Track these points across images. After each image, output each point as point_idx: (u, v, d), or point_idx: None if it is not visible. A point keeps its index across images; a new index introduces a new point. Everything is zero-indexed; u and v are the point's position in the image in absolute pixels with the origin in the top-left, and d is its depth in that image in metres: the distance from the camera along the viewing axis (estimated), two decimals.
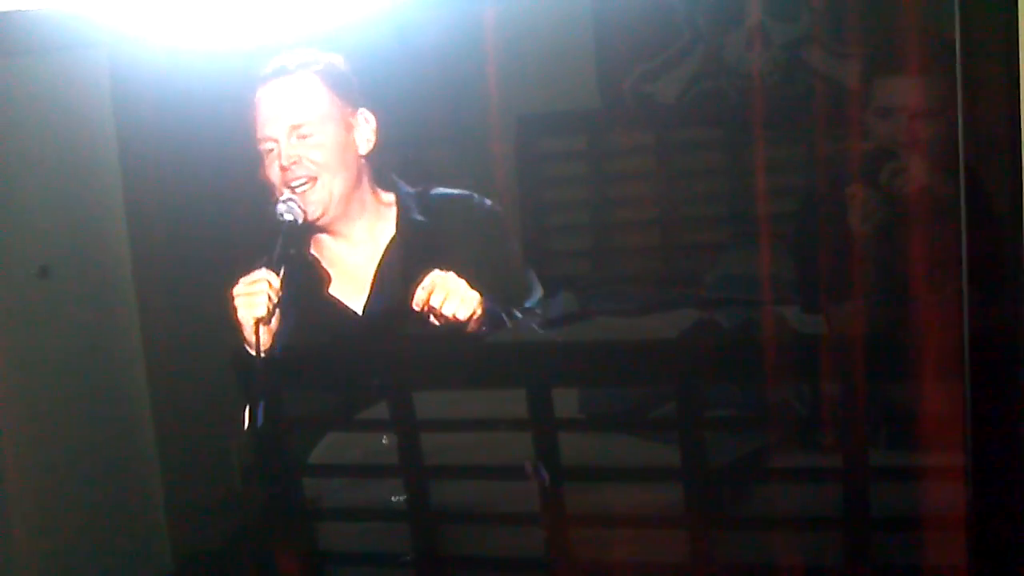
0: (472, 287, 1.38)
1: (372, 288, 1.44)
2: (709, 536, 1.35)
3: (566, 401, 1.39)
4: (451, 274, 1.37)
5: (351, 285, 1.45)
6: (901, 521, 1.26)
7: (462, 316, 1.37)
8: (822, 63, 1.26)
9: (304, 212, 1.41)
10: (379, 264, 1.43)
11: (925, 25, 1.21)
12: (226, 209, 1.46)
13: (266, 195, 1.43)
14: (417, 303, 1.38)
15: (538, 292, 1.38)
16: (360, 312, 1.45)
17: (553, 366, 1.41)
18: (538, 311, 1.38)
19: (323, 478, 1.51)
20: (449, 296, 1.37)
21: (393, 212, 1.43)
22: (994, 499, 1.14)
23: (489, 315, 1.38)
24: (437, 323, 1.37)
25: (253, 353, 1.42)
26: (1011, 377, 1.12)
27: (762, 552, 1.33)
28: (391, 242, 1.43)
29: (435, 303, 1.37)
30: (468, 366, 1.43)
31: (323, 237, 1.44)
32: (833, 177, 1.27)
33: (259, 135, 1.41)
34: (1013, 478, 1.13)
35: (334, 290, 1.45)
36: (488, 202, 1.39)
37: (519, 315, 1.39)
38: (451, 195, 1.41)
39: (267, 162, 1.41)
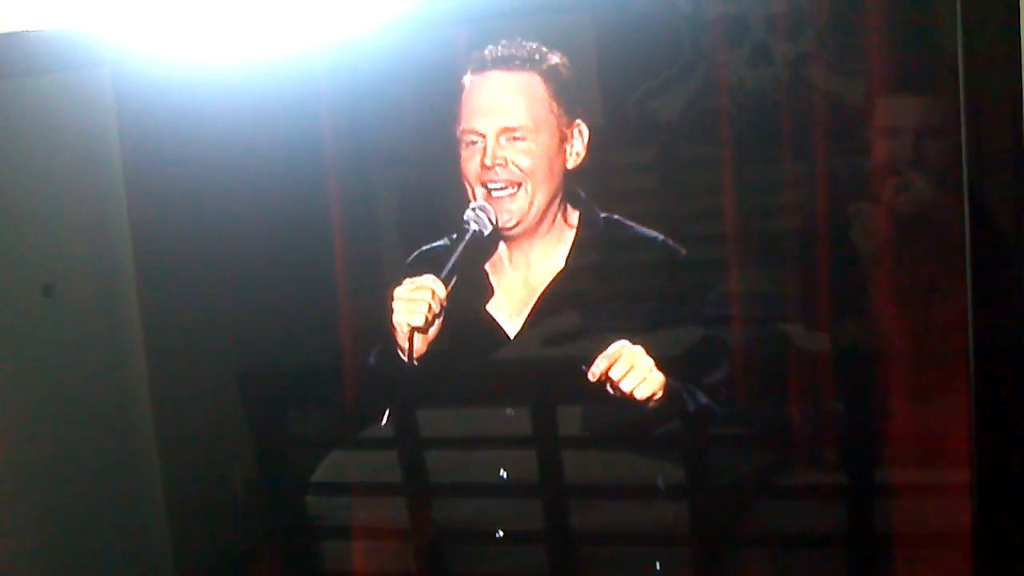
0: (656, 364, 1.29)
1: (530, 316, 1.37)
2: (713, 554, 1.35)
3: (569, 419, 1.39)
4: (640, 350, 1.29)
5: (510, 306, 1.38)
6: (906, 538, 1.26)
7: (640, 395, 1.29)
8: (825, 81, 1.27)
9: (493, 224, 1.33)
10: (542, 294, 1.36)
11: (928, 43, 1.21)
12: (231, 226, 1.46)
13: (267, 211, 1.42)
14: (595, 372, 1.30)
15: (723, 368, 1.30)
16: (512, 337, 1.38)
17: (555, 384, 1.40)
18: (723, 388, 1.30)
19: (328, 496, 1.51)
20: (633, 372, 1.28)
21: (571, 238, 1.35)
22: (999, 515, 1.14)
23: (669, 395, 1.30)
24: (612, 393, 1.29)
25: (404, 358, 1.35)
26: (1016, 392, 1.12)
27: (766, 571, 1.33)
28: (558, 274, 1.36)
29: (615, 375, 1.29)
30: (476, 383, 1.43)
31: (500, 248, 1.37)
32: (836, 194, 1.27)
33: (464, 126, 1.32)
34: (1018, 493, 1.13)
35: (492, 307, 1.39)
36: (680, 251, 1.31)
37: (702, 398, 1.31)
38: (637, 233, 1.33)
39: (466, 155, 1.32)
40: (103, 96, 1.50)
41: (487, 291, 1.38)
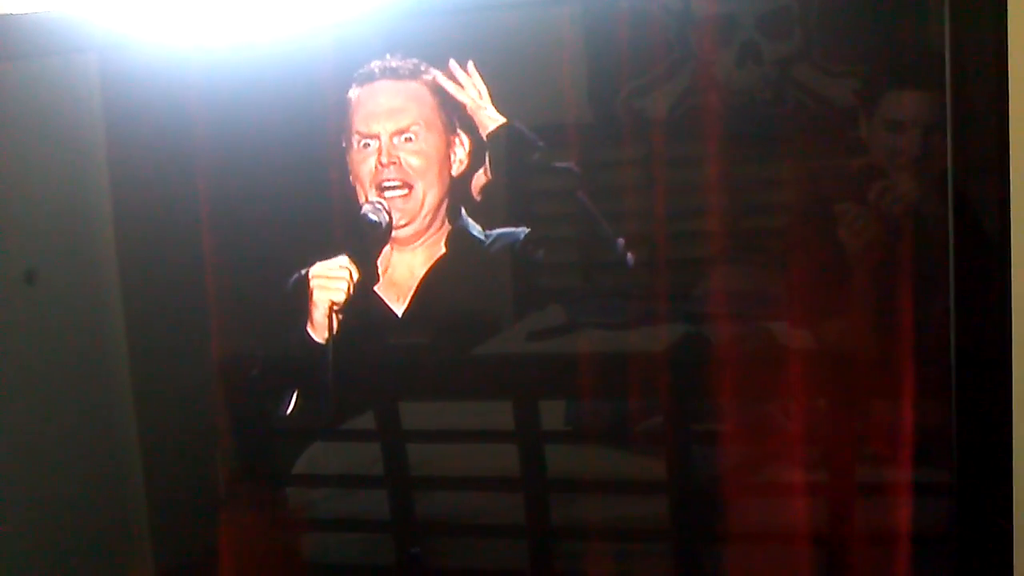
0: None
1: (414, 296, 1.43)
2: (694, 550, 1.35)
3: (552, 413, 1.39)
4: None
5: (397, 291, 1.44)
6: (888, 536, 1.26)
7: None
8: (812, 81, 1.27)
9: (390, 217, 1.40)
10: (423, 276, 1.43)
11: (915, 44, 1.22)
12: (216, 214, 1.45)
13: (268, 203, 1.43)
14: None
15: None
16: (400, 315, 1.44)
17: (539, 378, 1.41)
18: None
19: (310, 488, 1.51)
20: None
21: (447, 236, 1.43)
22: (980, 514, 1.14)
23: None
24: None
25: (319, 339, 1.42)
26: (998, 393, 1.12)
27: (747, 566, 1.33)
28: (440, 258, 1.43)
29: None
30: (460, 377, 1.43)
31: (386, 248, 1.44)
32: (823, 194, 1.28)
33: (357, 129, 1.40)
34: (999, 493, 1.13)
35: (379, 289, 1.44)
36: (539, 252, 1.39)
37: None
38: (507, 232, 1.40)
39: (359, 158, 1.41)
40: (89, 82, 1.49)
41: (374, 277, 1.44)
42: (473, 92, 1.36)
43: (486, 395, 1.44)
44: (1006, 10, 1.09)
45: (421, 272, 1.43)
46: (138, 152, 1.49)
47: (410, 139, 1.39)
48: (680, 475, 1.35)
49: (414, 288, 1.43)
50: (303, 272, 1.44)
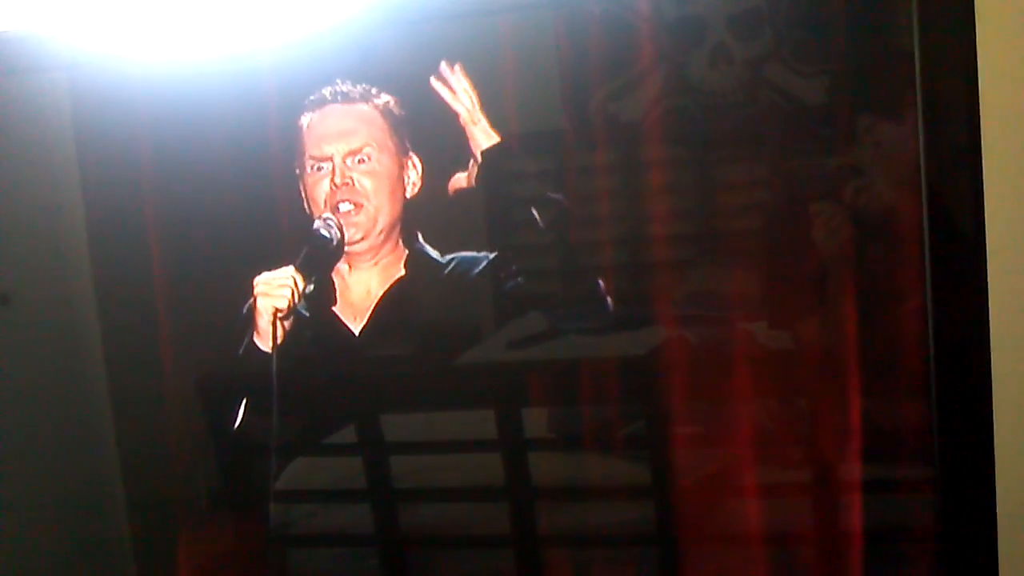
0: None
1: (372, 315, 1.44)
2: (680, 554, 1.35)
3: (535, 421, 1.39)
4: None
5: (354, 310, 1.45)
6: (870, 535, 1.26)
7: None
8: (785, 81, 1.27)
9: (341, 232, 1.41)
10: (382, 296, 1.44)
11: (886, 42, 1.22)
12: (192, 233, 1.45)
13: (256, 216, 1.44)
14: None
15: None
16: (356, 334, 1.45)
17: (521, 385, 1.40)
18: None
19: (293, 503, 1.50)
20: None
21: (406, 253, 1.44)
22: (963, 512, 1.15)
23: None
24: None
25: (265, 348, 1.43)
26: (978, 391, 1.13)
27: (733, 569, 1.33)
28: (398, 279, 1.44)
29: None
30: (440, 387, 1.43)
31: (342, 265, 1.44)
32: (798, 194, 1.28)
33: (311, 152, 1.41)
34: (982, 491, 1.13)
35: (337, 309, 1.45)
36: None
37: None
38: (468, 255, 1.41)
39: (312, 181, 1.41)
40: (60, 101, 1.48)
41: (331, 296, 1.45)
42: (466, 100, 1.36)
43: (466, 405, 1.44)
44: (973, 5, 1.09)
45: (378, 292, 1.44)
46: (110, 171, 1.48)
47: (363, 160, 1.40)
48: (664, 479, 1.34)
49: (371, 307, 1.44)
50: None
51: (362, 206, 1.40)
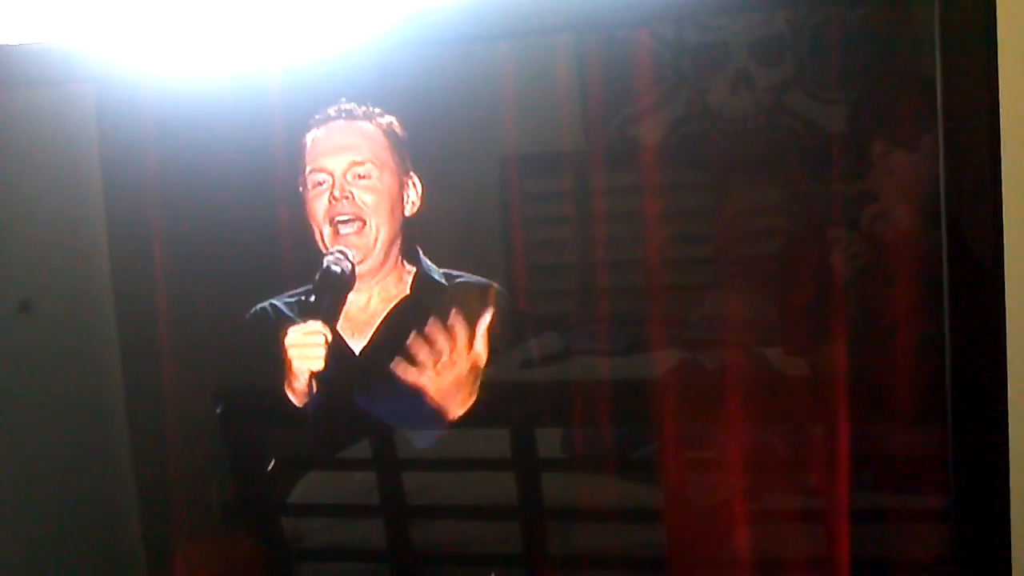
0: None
1: (375, 335, 1.44)
2: None
3: (548, 441, 1.39)
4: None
5: (353, 328, 1.45)
6: (884, 565, 1.26)
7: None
8: (805, 107, 1.27)
9: (352, 265, 1.41)
10: (385, 316, 1.44)
11: (906, 70, 1.22)
12: (210, 245, 1.45)
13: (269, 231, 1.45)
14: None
15: None
16: (356, 353, 1.45)
17: (535, 406, 1.40)
18: None
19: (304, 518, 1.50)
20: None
21: (411, 277, 1.44)
22: (977, 541, 1.14)
23: None
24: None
25: (297, 403, 1.42)
26: (994, 420, 1.12)
27: None
28: (402, 299, 1.44)
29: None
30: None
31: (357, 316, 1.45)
32: (816, 220, 1.28)
33: (312, 167, 1.41)
34: (996, 520, 1.13)
35: (339, 327, 1.44)
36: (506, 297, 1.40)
37: None
38: (472, 281, 1.41)
39: (313, 195, 1.42)
40: (85, 112, 1.49)
41: (336, 317, 1.44)
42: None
43: (481, 423, 1.43)
44: (996, 34, 1.09)
45: (377, 307, 1.44)
46: (132, 182, 1.49)
47: (363, 176, 1.40)
48: (676, 503, 1.34)
49: (374, 327, 1.44)
50: (265, 306, 1.46)
51: (364, 222, 1.40)
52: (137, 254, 1.51)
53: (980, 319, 1.12)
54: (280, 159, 1.43)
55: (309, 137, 1.42)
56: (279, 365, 1.42)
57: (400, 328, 1.42)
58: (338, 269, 1.40)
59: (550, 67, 1.34)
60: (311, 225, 1.42)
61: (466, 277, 1.42)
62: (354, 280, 1.42)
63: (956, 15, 1.09)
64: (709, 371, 1.32)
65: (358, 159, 1.40)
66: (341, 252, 1.40)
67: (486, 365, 1.39)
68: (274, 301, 1.46)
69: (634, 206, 1.35)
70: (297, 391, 1.42)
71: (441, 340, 1.39)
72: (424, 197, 1.41)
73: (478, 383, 1.39)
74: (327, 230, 1.41)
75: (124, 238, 1.53)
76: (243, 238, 1.45)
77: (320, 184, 1.41)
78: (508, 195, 1.40)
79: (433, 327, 1.39)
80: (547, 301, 1.42)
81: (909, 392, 1.21)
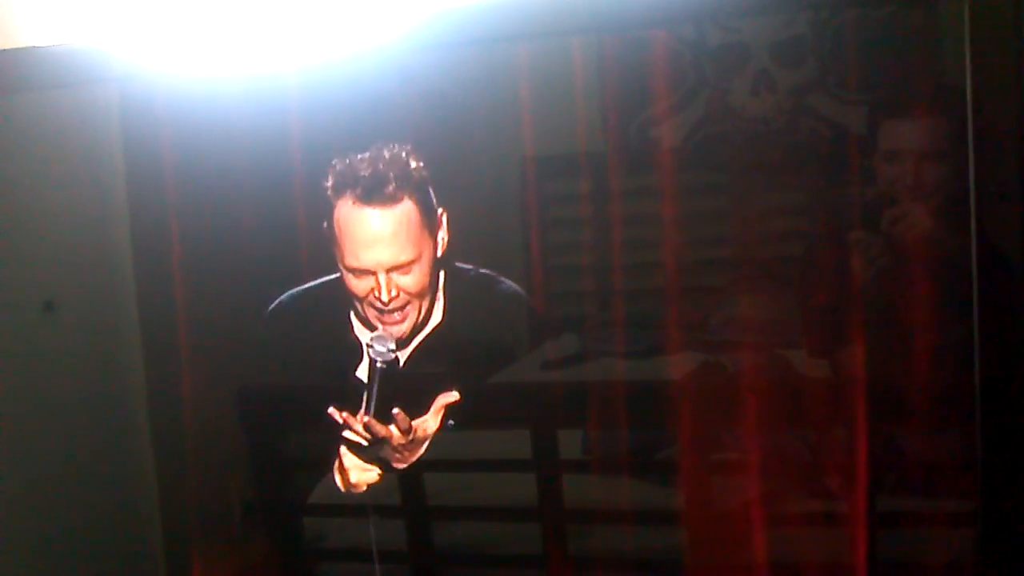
0: None
1: (411, 356, 1.42)
2: None
3: (570, 443, 1.39)
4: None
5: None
6: (909, 567, 1.25)
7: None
8: (827, 109, 1.27)
9: (396, 353, 1.39)
10: (416, 346, 1.42)
11: (930, 71, 1.22)
12: (232, 244, 1.46)
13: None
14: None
15: None
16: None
17: (556, 407, 1.40)
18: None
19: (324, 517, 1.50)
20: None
21: (441, 304, 1.42)
22: (1005, 545, 1.13)
23: None
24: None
25: (342, 488, 1.44)
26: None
27: None
28: (435, 328, 1.42)
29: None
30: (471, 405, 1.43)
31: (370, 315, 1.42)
32: (836, 222, 1.28)
33: (352, 263, 1.37)
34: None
35: (359, 372, 1.43)
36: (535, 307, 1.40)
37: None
38: (505, 288, 1.40)
39: (356, 281, 1.38)
40: (109, 113, 1.50)
41: (357, 357, 1.42)
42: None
43: (502, 424, 1.43)
44: None
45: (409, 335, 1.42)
46: (157, 182, 1.50)
47: (406, 271, 1.36)
48: (697, 505, 1.34)
49: (410, 349, 1.42)
50: (284, 297, 1.45)
51: (408, 304, 1.38)
52: (160, 254, 1.52)
53: (1010, 323, 1.11)
54: (299, 159, 1.43)
55: (340, 208, 1.36)
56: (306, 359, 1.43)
57: (436, 349, 1.42)
58: (382, 362, 1.38)
59: (570, 69, 1.34)
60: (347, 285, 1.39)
61: (502, 286, 1.40)
62: (398, 363, 1.40)
63: (986, 14, 1.08)
64: (729, 373, 1.31)
65: (403, 259, 1.35)
66: (383, 344, 1.38)
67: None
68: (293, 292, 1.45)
69: (654, 208, 1.35)
70: (348, 488, 1.43)
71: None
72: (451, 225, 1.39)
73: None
74: (369, 310, 1.39)
75: (147, 238, 1.54)
76: (264, 237, 1.45)
77: (361, 276, 1.37)
78: (527, 197, 1.40)
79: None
80: (566, 303, 1.41)
81: (933, 395, 1.21)
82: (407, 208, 1.35)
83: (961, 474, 1.15)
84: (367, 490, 1.43)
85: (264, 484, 1.53)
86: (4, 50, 1.45)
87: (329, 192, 1.37)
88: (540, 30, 1.29)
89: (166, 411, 1.55)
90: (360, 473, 1.42)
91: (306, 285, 1.45)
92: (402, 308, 1.38)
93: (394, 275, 1.36)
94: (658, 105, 1.33)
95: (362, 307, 1.39)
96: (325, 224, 1.38)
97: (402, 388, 1.40)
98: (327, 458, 1.46)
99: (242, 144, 1.42)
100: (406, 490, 1.44)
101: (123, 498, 1.59)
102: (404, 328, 1.39)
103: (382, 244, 1.35)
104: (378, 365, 1.38)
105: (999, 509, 1.12)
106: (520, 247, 1.42)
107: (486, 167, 1.41)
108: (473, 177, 1.41)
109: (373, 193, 1.34)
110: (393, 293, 1.36)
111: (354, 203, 1.35)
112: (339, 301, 1.42)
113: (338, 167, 1.36)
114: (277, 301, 1.46)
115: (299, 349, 1.46)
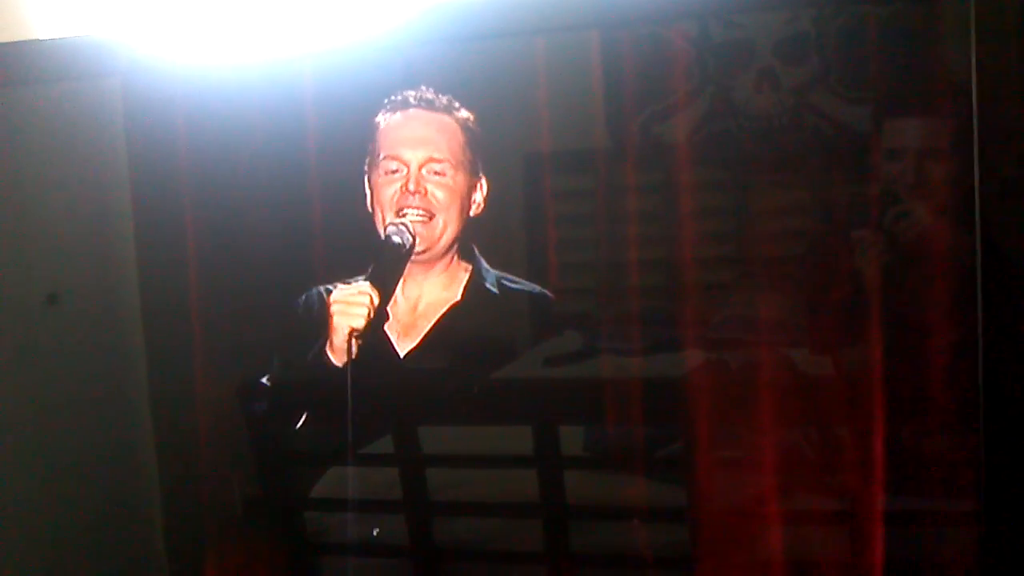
0: None
1: (423, 340, 1.44)
2: None
3: (571, 439, 1.39)
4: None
5: (401, 330, 1.45)
6: (910, 565, 1.25)
7: None
8: (830, 106, 1.27)
9: (413, 239, 1.39)
10: (436, 322, 1.43)
11: (934, 69, 1.22)
12: (236, 237, 1.46)
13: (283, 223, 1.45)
14: None
15: None
16: (401, 356, 1.45)
17: (559, 404, 1.40)
18: None
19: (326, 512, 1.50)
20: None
21: (465, 279, 1.43)
22: (1006, 547, 1.13)
23: None
24: None
25: (338, 363, 1.41)
26: None
27: None
28: (453, 306, 1.43)
29: None
30: (476, 402, 1.43)
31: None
32: (839, 220, 1.28)
33: (387, 153, 1.40)
34: None
35: (388, 328, 1.44)
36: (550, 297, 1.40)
37: None
38: (523, 288, 1.41)
39: (383, 182, 1.40)
40: (112, 106, 1.50)
41: (383, 314, 1.43)
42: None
43: (504, 420, 1.43)
44: None
45: (427, 312, 1.43)
46: (159, 175, 1.50)
47: (439, 172, 1.38)
48: (698, 503, 1.34)
49: (422, 332, 1.43)
50: (314, 291, 1.45)
51: (433, 216, 1.39)
52: (163, 247, 1.52)
53: (1013, 320, 1.11)
54: (304, 152, 1.43)
55: (382, 119, 1.40)
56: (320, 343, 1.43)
57: (449, 336, 1.42)
58: (399, 240, 1.38)
59: (574, 65, 1.34)
60: (375, 210, 1.41)
61: (521, 285, 1.41)
62: (412, 254, 1.40)
63: (992, 12, 1.08)
64: (733, 370, 1.31)
65: (437, 156, 1.38)
66: (404, 224, 1.38)
67: None
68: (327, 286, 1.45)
69: (657, 204, 1.35)
70: (336, 349, 1.41)
71: None
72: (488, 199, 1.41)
73: None
74: (393, 218, 1.39)
75: (150, 230, 1.54)
76: (268, 229, 1.45)
77: (393, 172, 1.39)
78: (533, 192, 1.40)
79: None
80: (569, 299, 1.41)
81: (937, 393, 1.21)
82: (452, 124, 1.39)
83: (965, 472, 1.15)
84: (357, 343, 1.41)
85: (267, 478, 1.53)
86: (7, 43, 1.45)
87: (380, 119, 1.40)
88: (544, 26, 1.30)
89: (169, 403, 1.56)
90: (345, 317, 1.40)
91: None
92: (430, 216, 1.39)
93: (426, 173, 1.38)
94: (662, 102, 1.33)
95: (384, 220, 1.39)
96: (366, 167, 1.41)
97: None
98: (330, 452, 1.47)
99: (246, 137, 1.42)
100: (407, 485, 1.44)
101: (125, 491, 1.59)
102: (423, 234, 1.39)
103: (422, 140, 1.38)
104: (393, 239, 1.38)
105: (1002, 508, 1.12)
106: (523, 243, 1.42)
107: (490, 162, 1.41)
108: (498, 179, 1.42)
109: (426, 102, 1.39)
110: (420, 188, 1.38)
111: (402, 111, 1.39)
112: None
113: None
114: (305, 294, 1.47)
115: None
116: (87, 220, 1.56)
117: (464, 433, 1.44)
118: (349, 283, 1.42)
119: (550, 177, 1.39)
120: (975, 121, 1.09)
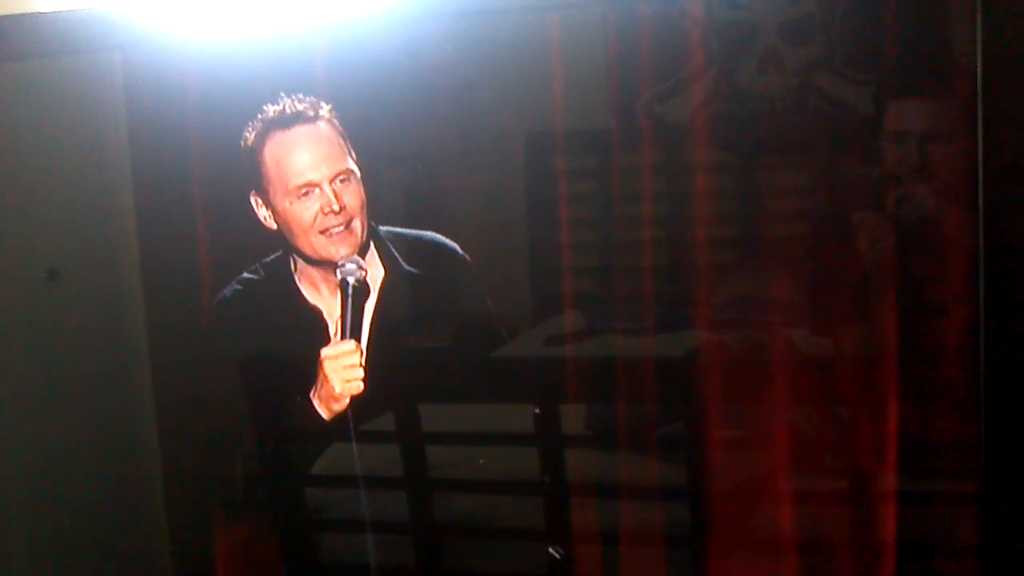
0: None
1: (371, 326, 1.45)
2: (714, 556, 1.35)
3: (572, 417, 1.39)
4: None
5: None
6: (909, 546, 1.26)
7: None
8: (834, 88, 1.27)
9: (364, 271, 1.43)
10: (376, 305, 1.45)
11: (939, 51, 1.22)
12: (235, 213, 1.45)
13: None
14: None
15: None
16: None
17: (560, 383, 1.41)
18: None
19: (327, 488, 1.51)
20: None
21: (377, 254, 1.45)
22: (1005, 528, 1.14)
23: None
24: None
25: (323, 415, 1.45)
26: None
27: (768, 574, 1.33)
28: (383, 284, 1.45)
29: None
30: (476, 381, 1.43)
31: (313, 274, 1.46)
32: (841, 202, 1.28)
33: (296, 181, 1.41)
34: None
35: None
36: (457, 250, 1.43)
37: None
38: (422, 238, 1.44)
39: (298, 207, 1.41)
40: (112, 80, 1.49)
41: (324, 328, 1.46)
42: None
43: (504, 399, 1.44)
44: None
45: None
46: (161, 151, 1.50)
47: (344, 180, 1.41)
48: (699, 482, 1.34)
49: (369, 318, 1.45)
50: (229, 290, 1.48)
51: (351, 220, 1.41)
52: (164, 222, 1.52)
53: (1015, 303, 1.11)
54: None
55: (269, 147, 1.41)
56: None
57: (393, 311, 1.45)
58: (355, 281, 1.42)
59: (577, 44, 1.34)
60: (287, 229, 1.43)
61: (404, 232, 1.45)
62: (369, 288, 1.43)
63: None
64: (734, 351, 1.32)
65: (340, 167, 1.41)
66: (352, 263, 1.42)
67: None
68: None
69: (658, 185, 1.35)
70: (332, 409, 1.44)
71: None
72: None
73: None
74: (318, 239, 1.41)
75: (151, 205, 1.53)
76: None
77: (305, 195, 1.41)
78: (532, 172, 1.40)
79: None
80: (570, 278, 1.41)
81: (939, 375, 1.21)
82: (329, 129, 1.41)
83: (967, 453, 1.16)
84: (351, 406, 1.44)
85: (268, 454, 1.53)
86: (7, 16, 1.44)
87: (255, 143, 1.42)
88: (546, 3, 1.29)
89: (170, 379, 1.56)
90: (343, 384, 1.43)
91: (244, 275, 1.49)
92: (349, 224, 1.41)
93: (338, 186, 1.40)
94: (665, 82, 1.32)
95: (309, 241, 1.42)
96: (256, 198, 1.44)
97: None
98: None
99: (246, 111, 1.42)
100: (407, 462, 1.44)
101: (126, 468, 1.59)
102: (351, 243, 1.42)
103: (318, 155, 1.41)
104: (351, 283, 1.41)
105: (1000, 490, 1.13)
106: (524, 222, 1.42)
107: (490, 142, 1.41)
108: (477, 152, 1.41)
109: (293, 119, 1.41)
110: (341, 204, 1.40)
111: (280, 132, 1.41)
112: (280, 277, 1.47)
113: (256, 123, 1.42)
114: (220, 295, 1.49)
115: (259, 335, 1.49)
116: (88, 194, 1.55)
117: (465, 411, 1.44)
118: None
119: (551, 156, 1.39)
120: (979, 103, 1.09)
